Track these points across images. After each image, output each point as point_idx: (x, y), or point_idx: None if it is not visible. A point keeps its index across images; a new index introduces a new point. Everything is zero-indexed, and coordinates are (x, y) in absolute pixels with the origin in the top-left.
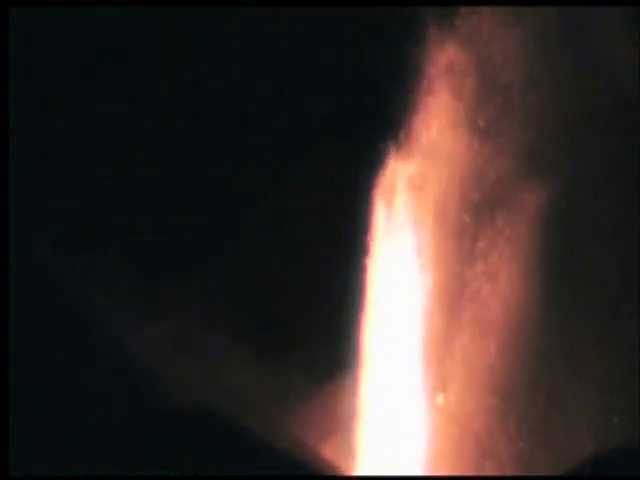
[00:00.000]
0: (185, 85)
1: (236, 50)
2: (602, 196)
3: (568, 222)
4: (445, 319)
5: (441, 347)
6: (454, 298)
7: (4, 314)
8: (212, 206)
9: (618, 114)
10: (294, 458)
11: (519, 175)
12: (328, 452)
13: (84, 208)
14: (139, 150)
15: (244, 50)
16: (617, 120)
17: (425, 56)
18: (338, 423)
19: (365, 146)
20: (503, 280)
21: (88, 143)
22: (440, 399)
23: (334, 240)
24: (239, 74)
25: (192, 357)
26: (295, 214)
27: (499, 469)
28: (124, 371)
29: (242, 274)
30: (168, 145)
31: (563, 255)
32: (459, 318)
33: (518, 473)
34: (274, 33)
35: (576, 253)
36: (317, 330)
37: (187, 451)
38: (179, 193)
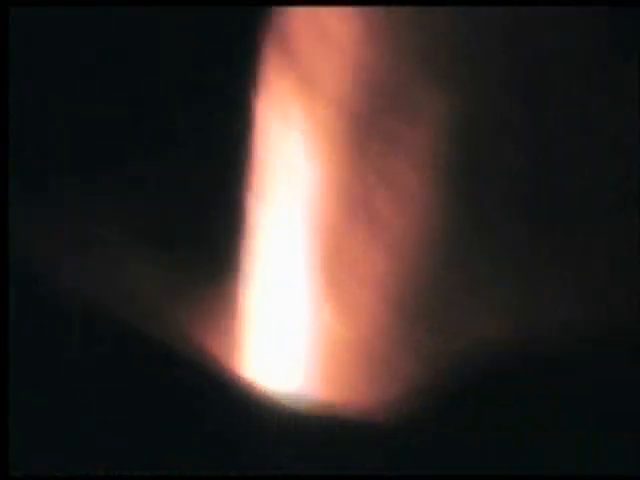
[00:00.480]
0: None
1: None
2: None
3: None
4: (337, 223)
5: (331, 254)
6: (346, 201)
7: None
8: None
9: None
10: (182, 354)
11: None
12: (217, 350)
13: None
14: None
15: None
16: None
17: None
18: (228, 322)
19: None
20: (400, 187)
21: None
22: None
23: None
24: None
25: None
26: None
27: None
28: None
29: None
30: None
31: (465, 169)
32: (351, 224)
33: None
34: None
35: (480, 168)
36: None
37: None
38: None
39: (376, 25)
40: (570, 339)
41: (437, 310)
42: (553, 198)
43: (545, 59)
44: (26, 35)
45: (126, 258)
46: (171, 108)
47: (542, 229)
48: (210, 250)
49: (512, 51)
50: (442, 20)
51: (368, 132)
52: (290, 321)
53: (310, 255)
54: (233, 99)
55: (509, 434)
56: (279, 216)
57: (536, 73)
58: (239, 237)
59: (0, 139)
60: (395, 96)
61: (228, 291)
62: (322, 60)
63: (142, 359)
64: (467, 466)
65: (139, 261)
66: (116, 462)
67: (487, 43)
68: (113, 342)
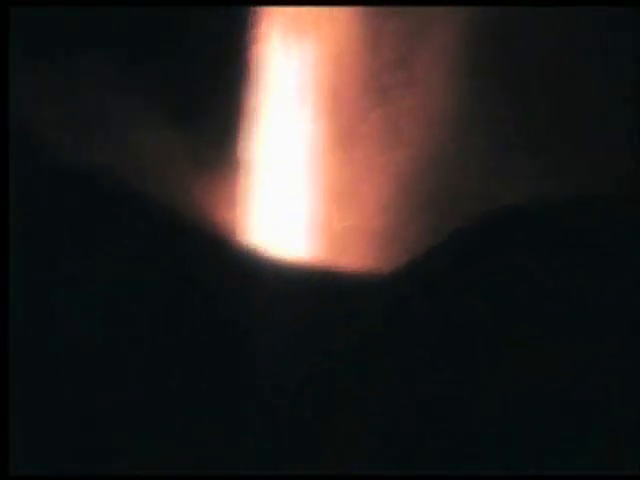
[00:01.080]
0: None
1: None
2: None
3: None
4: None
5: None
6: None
7: None
8: None
9: None
10: (188, 219)
11: None
12: (222, 215)
13: None
14: None
15: None
16: None
17: None
18: (234, 188)
19: None
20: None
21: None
22: None
23: None
24: None
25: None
26: None
27: None
28: None
29: None
30: None
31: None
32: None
33: None
34: None
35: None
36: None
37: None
38: None
39: None
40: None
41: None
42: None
43: None
44: (26, 35)
45: (138, 123)
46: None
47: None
48: (219, 119)
49: None
50: None
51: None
52: (295, 186)
53: (317, 124)
54: None
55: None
56: (287, 92)
57: None
58: (246, 108)
59: (0, 138)
60: None
61: (235, 157)
62: None
63: (149, 223)
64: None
65: (149, 127)
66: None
67: None
68: (120, 206)
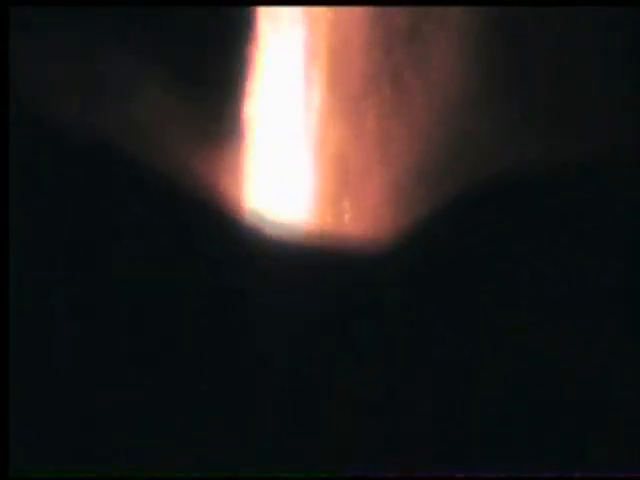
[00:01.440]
0: None
1: None
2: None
3: None
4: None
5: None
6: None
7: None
8: None
9: None
10: (189, 188)
11: None
12: (223, 183)
13: None
14: None
15: None
16: None
17: None
18: (234, 156)
19: None
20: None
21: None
22: None
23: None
24: None
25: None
26: None
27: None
28: None
29: None
30: None
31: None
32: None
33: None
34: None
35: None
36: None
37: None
38: None
39: None
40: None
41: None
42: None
43: None
44: (26, 35)
45: (142, 89)
46: None
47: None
48: (221, 86)
49: None
50: None
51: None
52: (295, 154)
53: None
54: None
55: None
56: (290, 71)
57: None
58: (247, 80)
59: (0, 137)
60: None
61: (235, 128)
62: None
63: (148, 193)
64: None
65: (154, 92)
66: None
67: None
68: (121, 173)
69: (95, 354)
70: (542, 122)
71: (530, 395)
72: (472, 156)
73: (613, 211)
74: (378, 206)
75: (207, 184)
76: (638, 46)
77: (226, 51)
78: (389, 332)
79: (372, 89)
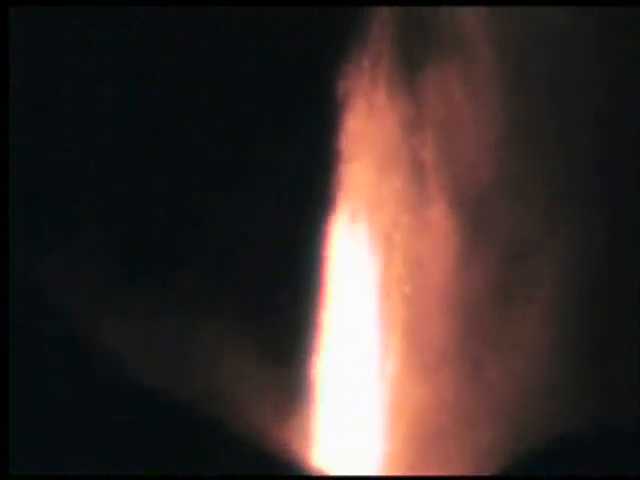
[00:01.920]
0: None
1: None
2: None
3: None
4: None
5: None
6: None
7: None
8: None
9: None
10: (250, 441)
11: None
12: (285, 435)
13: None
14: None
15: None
16: None
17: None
18: (294, 406)
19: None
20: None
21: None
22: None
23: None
24: None
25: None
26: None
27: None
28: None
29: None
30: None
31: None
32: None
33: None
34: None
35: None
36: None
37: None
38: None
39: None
40: None
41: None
42: None
43: None
44: (26, 35)
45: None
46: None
47: None
48: (285, 337)
49: None
50: None
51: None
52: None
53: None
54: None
55: None
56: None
57: None
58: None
59: (0, 137)
60: None
61: (301, 377)
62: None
63: (208, 441)
64: None
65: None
66: None
67: None
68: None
69: None
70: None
71: None
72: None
73: None
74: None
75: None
76: None
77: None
78: None
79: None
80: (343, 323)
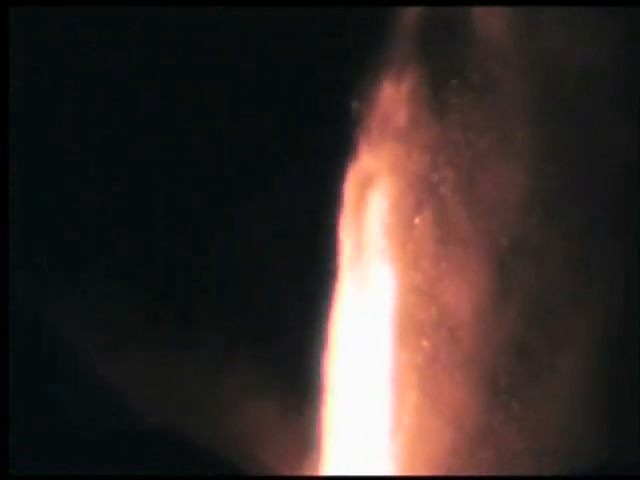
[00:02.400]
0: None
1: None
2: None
3: None
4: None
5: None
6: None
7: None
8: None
9: None
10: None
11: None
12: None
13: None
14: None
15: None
16: None
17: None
18: (306, 447)
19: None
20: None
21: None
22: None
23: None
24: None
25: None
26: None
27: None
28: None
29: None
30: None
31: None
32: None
33: None
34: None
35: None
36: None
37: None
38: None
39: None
40: None
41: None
42: None
43: None
44: (26, 35)
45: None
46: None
47: None
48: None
49: None
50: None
51: None
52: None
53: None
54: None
55: None
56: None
57: None
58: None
59: (0, 135)
60: None
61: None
62: None
63: None
64: None
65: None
66: None
67: None
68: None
69: None
70: None
71: None
72: None
73: None
74: None
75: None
76: None
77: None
78: None
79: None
80: (357, 375)
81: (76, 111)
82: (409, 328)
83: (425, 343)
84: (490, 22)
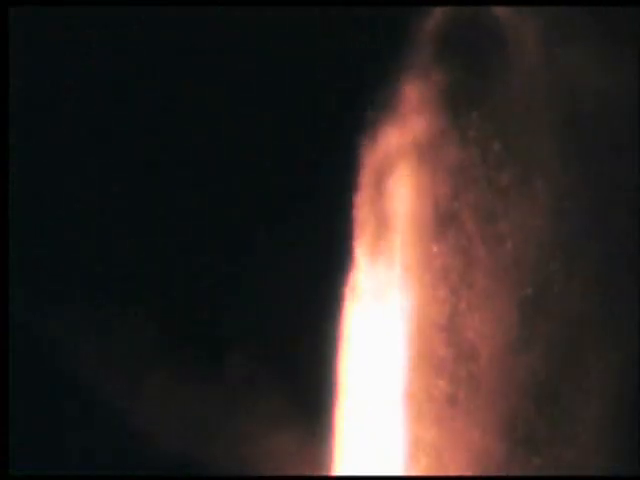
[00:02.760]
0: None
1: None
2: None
3: None
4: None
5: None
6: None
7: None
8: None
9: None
10: None
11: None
12: None
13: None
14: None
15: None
16: None
17: None
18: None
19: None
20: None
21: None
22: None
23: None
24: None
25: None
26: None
27: None
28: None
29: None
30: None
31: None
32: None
33: None
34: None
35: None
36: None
37: None
38: None
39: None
40: None
41: None
42: None
43: None
44: (26, 35)
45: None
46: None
47: None
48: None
49: None
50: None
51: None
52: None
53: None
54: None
55: None
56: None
57: None
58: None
59: (0, 136)
60: None
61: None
62: None
63: None
64: None
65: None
66: None
67: None
68: None
69: None
70: None
71: None
72: None
73: None
74: None
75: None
76: None
77: None
78: None
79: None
80: (371, 417)
81: (76, 111)
82: (426, 364)
83: (442, 383)
84: (514, 53)
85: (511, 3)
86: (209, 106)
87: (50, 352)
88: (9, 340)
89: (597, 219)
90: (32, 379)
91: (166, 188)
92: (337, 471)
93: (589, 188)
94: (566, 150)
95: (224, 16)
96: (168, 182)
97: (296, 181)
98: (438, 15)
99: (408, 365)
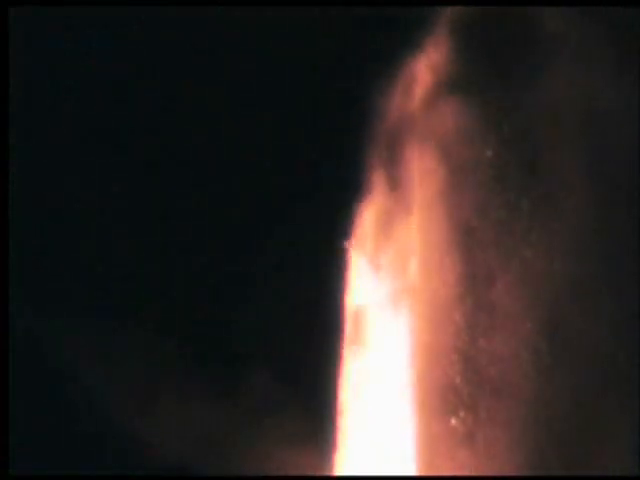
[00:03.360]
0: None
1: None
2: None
3: None
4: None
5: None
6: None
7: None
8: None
9: None
10: None
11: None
12: None
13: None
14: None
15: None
16: None
17: None
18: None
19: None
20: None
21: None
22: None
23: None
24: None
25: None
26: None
27: None
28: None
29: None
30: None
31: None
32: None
33: None
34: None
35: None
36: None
37: None
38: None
39: None
40: None
41: None
42: None
43: None
44: (26, 35)
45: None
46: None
47: None
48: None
49: None
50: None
51: None
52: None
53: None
54: None
55: None
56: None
57: None
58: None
59: (0, 136)
60: None
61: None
62: None
63: None
64: None
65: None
66: None
67: None
68: None
69: None
70: None
71: None
72: None
73: None
74: None
75: None
76: None
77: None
78: None
79: None
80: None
81: (76, 111)
82: (438, 395)
83: (455, 421)
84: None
85: (511, 3)
86: (209, 106)
87: (50, 352)
88: (9, 340)
89: (626, 239)
90: (32, 379)
91: (166, 188)
92: None
93: (617, 211)
94: (594, 171)
95: (224, 16)
96: (168, 182)
97: (296, 181)
98: (448, 13)
99: (416, 395)
